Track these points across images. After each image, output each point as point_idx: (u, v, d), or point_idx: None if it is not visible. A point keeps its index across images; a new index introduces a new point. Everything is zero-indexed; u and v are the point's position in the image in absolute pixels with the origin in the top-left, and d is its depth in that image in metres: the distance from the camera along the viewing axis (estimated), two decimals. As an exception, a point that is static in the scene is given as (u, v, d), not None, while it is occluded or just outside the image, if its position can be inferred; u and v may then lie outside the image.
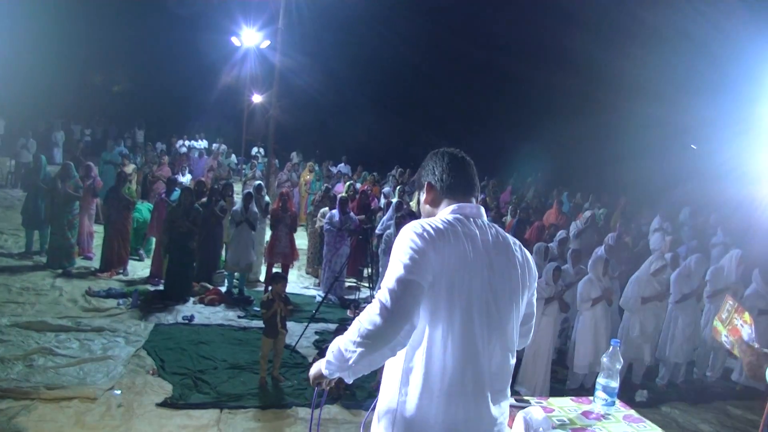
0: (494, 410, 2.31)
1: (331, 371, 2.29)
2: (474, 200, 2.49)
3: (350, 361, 2.18)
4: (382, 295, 2.16)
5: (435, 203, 2.51)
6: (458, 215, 2.38)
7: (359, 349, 2.15)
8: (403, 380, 2.27)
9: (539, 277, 7.19)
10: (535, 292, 2.56)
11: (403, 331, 2.13)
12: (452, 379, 2.21)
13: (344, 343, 2.21)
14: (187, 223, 9.13)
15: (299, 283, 11.15)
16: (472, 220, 2.39)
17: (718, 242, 11.24)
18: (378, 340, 2.12)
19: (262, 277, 10.74)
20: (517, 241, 2.49)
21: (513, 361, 2.42)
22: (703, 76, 19.72)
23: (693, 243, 11.34)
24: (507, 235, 2.47)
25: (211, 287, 9.74)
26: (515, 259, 2.40)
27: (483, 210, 2.48)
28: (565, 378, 7.73)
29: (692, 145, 25.35)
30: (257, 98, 25.10)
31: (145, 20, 29.74)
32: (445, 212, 2.42)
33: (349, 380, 2.30)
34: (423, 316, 2.21)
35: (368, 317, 2.15)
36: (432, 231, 2.24)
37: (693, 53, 20.43)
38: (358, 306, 8.53)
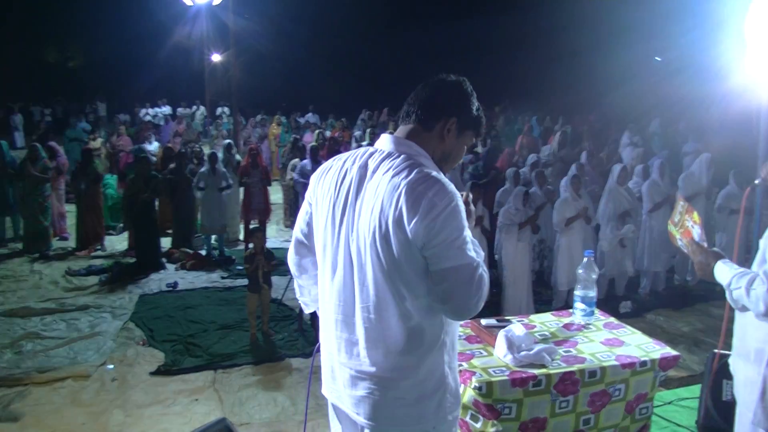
0: (362, 357, 2.09)
1: (305, 304, 2.61)
2: (411, 125, 2.12)
3: (301, 296, 2.58)
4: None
5: None
6: (366, 147, 2.18)
7: (297, 286, 2.59)
8: None
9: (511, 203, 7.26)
10: (449, 253, 1.91)
11: (301, 276, 2.51)
12: (322, 313, 2.30)
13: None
14: (148, 193, 9.04)
15: (279, 237, 11.11)
16: (371, 152, 2.11)
17: (689, 150, 11.28)
18: (297, 279, 2.55)
19: (241, 236, 10.71)
20: (412, 183, 1.91)
21: (394, 316, 2.02)
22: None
23: (664, 153, 11.42)
24: (396, 170, 1.97)
25: (191, 252, 9.70)
26: (376, 200, 1.96)
27: (397, 141, 2.09)
28: (550, 299, 7.85)
29: (656, 57, 25.25)
30: (216, 57, 24.54)
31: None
32: None
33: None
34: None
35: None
36: (317, 173, 2.29)
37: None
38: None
